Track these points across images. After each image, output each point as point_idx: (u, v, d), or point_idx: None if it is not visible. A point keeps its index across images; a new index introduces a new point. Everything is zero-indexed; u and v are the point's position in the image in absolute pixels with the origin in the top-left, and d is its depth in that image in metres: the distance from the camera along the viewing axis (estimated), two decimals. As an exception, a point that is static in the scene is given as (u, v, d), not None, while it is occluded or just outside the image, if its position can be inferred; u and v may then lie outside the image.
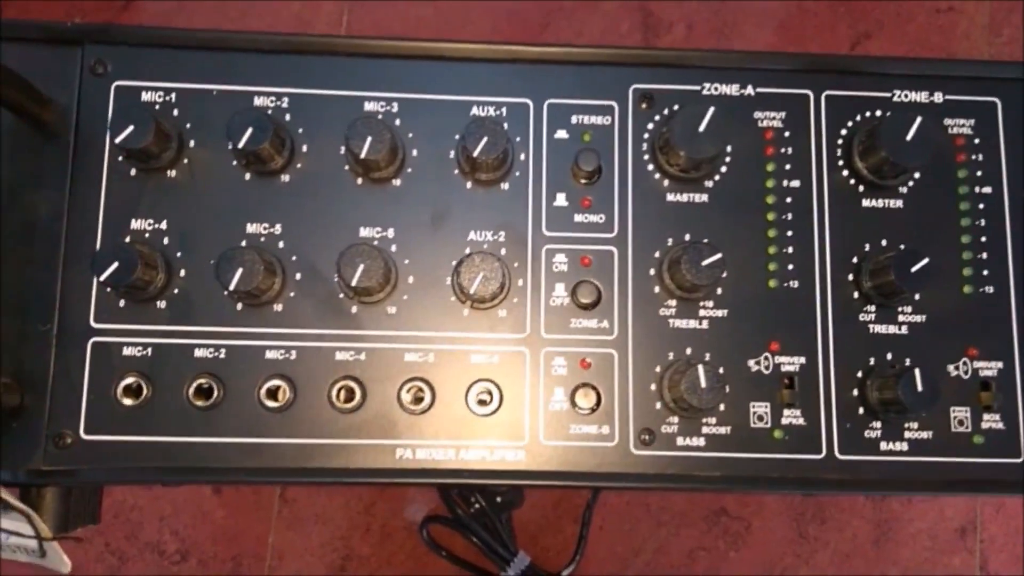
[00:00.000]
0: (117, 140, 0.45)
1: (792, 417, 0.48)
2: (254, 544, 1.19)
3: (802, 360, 0.48)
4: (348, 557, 1.18)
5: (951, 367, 0.48)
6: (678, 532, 1.21)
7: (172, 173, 0.49)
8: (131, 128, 0.45)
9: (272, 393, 0.47)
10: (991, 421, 0.48)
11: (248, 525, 1.19)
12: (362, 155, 0.46)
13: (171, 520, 1.18)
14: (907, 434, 0.48)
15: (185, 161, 0.49)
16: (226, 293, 0.47)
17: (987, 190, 0.50)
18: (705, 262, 0.46)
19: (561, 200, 0.49)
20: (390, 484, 0.48)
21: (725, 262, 0.46)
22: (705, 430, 0.47)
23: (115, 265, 0.44)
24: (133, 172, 0.48)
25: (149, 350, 0.47)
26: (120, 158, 0.48)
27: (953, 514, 1.24)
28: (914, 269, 0.46)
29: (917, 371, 0.45)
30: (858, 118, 0.51)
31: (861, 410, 0.48)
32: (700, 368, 0.45)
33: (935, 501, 1.24)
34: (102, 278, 0.44)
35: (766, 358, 0.48)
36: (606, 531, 1.20)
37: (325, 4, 1.25)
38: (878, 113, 0.51)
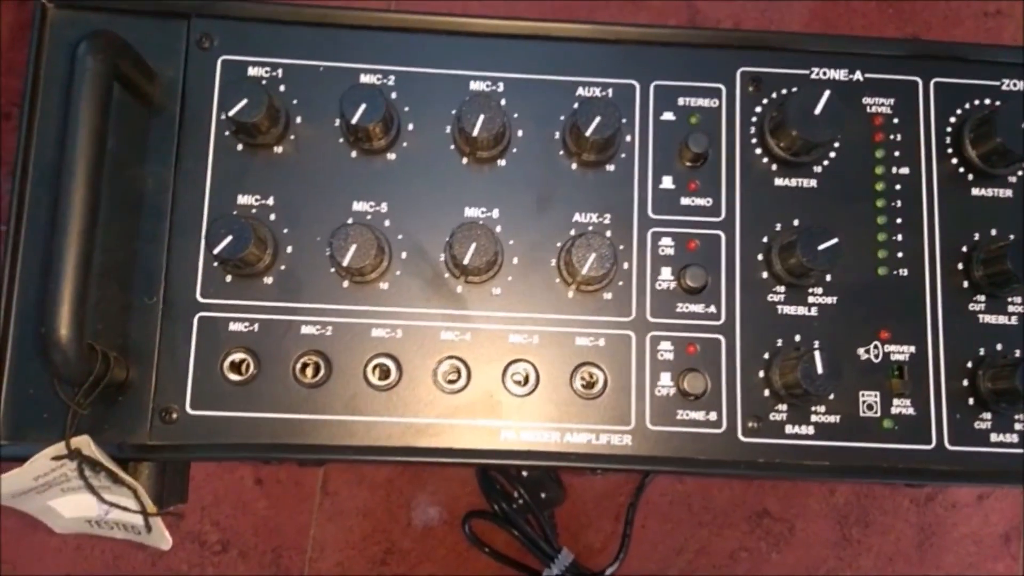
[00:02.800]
0: (230, 113, 0.45)
1: (902, 407, 0.47)
2: (295, 536, 1.18)
3: (912, 349, 0.48)
4: (389, 551, 1.17)
5: (1062, 359, 0.48)
6: (720, 532, 1.20)
7: (279, 149, 0.48)
8: (244, 101, 0.45)
9: (378, 371, 0.46)
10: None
11: (289, 517, 1.18)
12: (474, 133, 0.46)
13: (212, 510, 1.18)
14: (1017, 426, 0.47)
15: (292, 137, 0.48)
16: (334, 270, 0.47)
17: (1097, 181, 0.49)
18: (821, 246, 0.45)
19: (667, 183, 0.49)
20: (495, 465, 0.47)
21: (842, 247, 0.45)
22: (814, 418, 0.47)
23: (229, 238, 0.44)
24: (240, 147, 0.48)
25: (256, 326, 0.47)
26: (227, 133, 0.48)
27: (998, 520, 1.22)
28: (1031, 258, 0.45)
29: (1035, 361, 0.44)
30: (967, 106, 0.50)
31: (971, 400, 0.47)
32: (817, 354, 0.44)
33: (979, 505, 1.23)
34: (216, 251, 0.44)
35: (876, 347, 0.48)
36: (648, 530, 1.20)
37: (374, -4, 1.24)
38: (987, 101, 0.50)
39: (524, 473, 1.16)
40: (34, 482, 0.44)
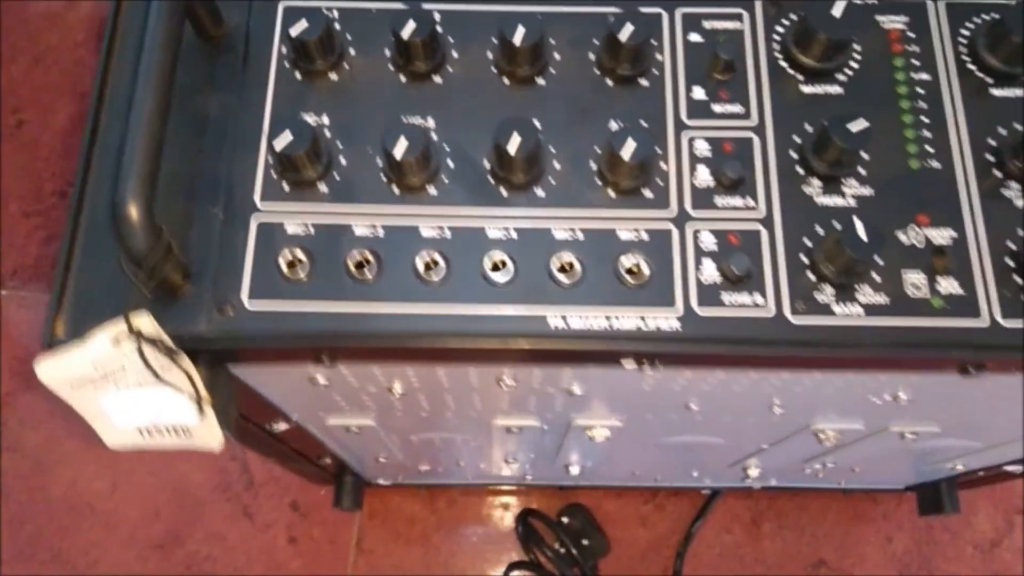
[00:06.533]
0: (293, 32, 0.49)
1: (948, 285, 0.47)
2: (330, 597, 1.14)
3: (952, 232, 0.48)
4: (426, 610, 1.12)
5: (1104, 239, 0.48)
6: (775, 586, 1.13)
7: (333, 76, 0.52)
8: (305, 22, 0.49)
9: (428, 266, 0.48)
10: None
11: (324, 576, 1.14)
12: (516, 42, 0.49)
13: (245, 571, 1.14)
14: (1070, 301, 0.47)
15: (345, 67, 0.52)
16: (385, 179, 0.49)
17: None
18: (850, 125, 0.47)
19: (699, 94, 0.52)
20: (545, 354, 0.48)
21: (871, 128, 0.47)
22: (862, 299, 0.47)
23: (289, 134, 0.47)
24: (298, 76, 0.52)
25: (312, 228, 0.49)
26: (287, 64, 0.52)
27: (1071, 569, 1.15)
28: (1059, 133, 0.47)
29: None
30: (977, 20, 0.53)
31: (1019, 278, 0.47)
32: (858, 221, 0.45)
33: (1050, 556, 1.15)
34: (277, 144, 0.47)
35: (915, 230, 0.48)
36: (698, 585, 1.13)
37: None
38: (996, 16, 0.53)
39: (565, 519, 1.13)
40: (92, 369, 0.45)
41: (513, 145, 0.47)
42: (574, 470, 0.88)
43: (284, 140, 0.47)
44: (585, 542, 1.09)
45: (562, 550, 1.09)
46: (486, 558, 1.14)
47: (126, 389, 0.46)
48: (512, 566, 1.09)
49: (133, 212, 0.42)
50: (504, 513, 1.15)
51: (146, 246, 0.43)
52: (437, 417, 0.67)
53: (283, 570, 1.15)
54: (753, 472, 0.88)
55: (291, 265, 0.48)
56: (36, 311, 1.27)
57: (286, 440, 0.74)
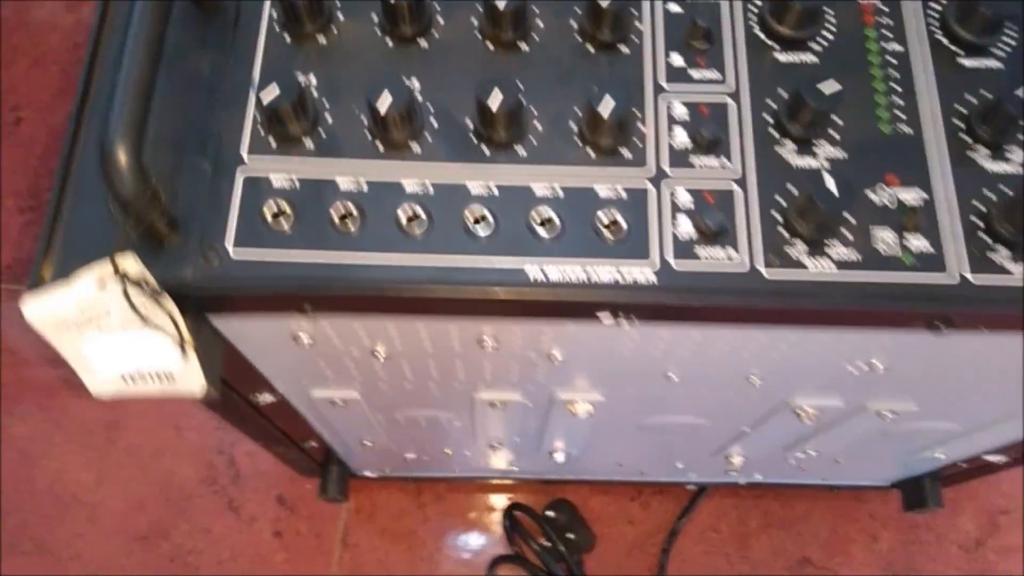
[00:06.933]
0: (281, -7, 0.51)
1: (918, 243, 0.48)
2: (314, 593, 1.13)
3: (921, 192, 0.50)
4: (411, 605, 1.12)
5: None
6: (760, 584, 1.13)
7: (322, 39, 0.54)
8: (293, -17, 0.51)
9: (410, 219, 0.49)
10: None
11: (308, 570, 1.14)
12: (501, 6, 0.51)
13: (229, 565, 1.14)
14: (1036, 258, 0.48)
15: (334, 30, 0.54)
16: (370, 137, 0.51)
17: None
18: (824, 88, 0.48)
19: (678, 61, 0.53)
20: (523, 304, 0.48)
21: (843, 91, 0.49)
22: (833, 255, 0.48)
23: (276, 87, 0.48)
24: (288, 38, 0.53)
25: (297, 182, 0.50)
26: (277, 27, 0.54)
27: (1053, 570, 1.15)
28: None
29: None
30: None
31: (988, 238, 0.49)
32: (827, 175, 0.46)
33: (1034, 556, 1.16)
34: (265, 97, 0.48)
35: (885, 190, 0.50)
36: (684, 583, 1.13)
37: None
38: (966, -7, 0.55)
39: (551, 513, 1.13)
40: (77, 311, 0.46)
41: (495, 101, 0.48)
42: (559, 457, 0.88)
43: (271, 93, 0.48)
44: (570, 536, 1.09)
45: (547, 544, 1.09)
46: (472, 552, 1.13)
47: (110, 333, 0.47)
48: (497, 560, 1.09)
49: (121, 154, 0.43)
50: (490, 508, 1.15)
51: (134, 189, 0.44)
52: (421, 389, 0.68)
53: (268, 564, 1.15)
54: (736, 460, 0.88)
55: (276, 216, 0.49)
56: (27, 305, 1.28)
57: (271, 417, 0.74)
